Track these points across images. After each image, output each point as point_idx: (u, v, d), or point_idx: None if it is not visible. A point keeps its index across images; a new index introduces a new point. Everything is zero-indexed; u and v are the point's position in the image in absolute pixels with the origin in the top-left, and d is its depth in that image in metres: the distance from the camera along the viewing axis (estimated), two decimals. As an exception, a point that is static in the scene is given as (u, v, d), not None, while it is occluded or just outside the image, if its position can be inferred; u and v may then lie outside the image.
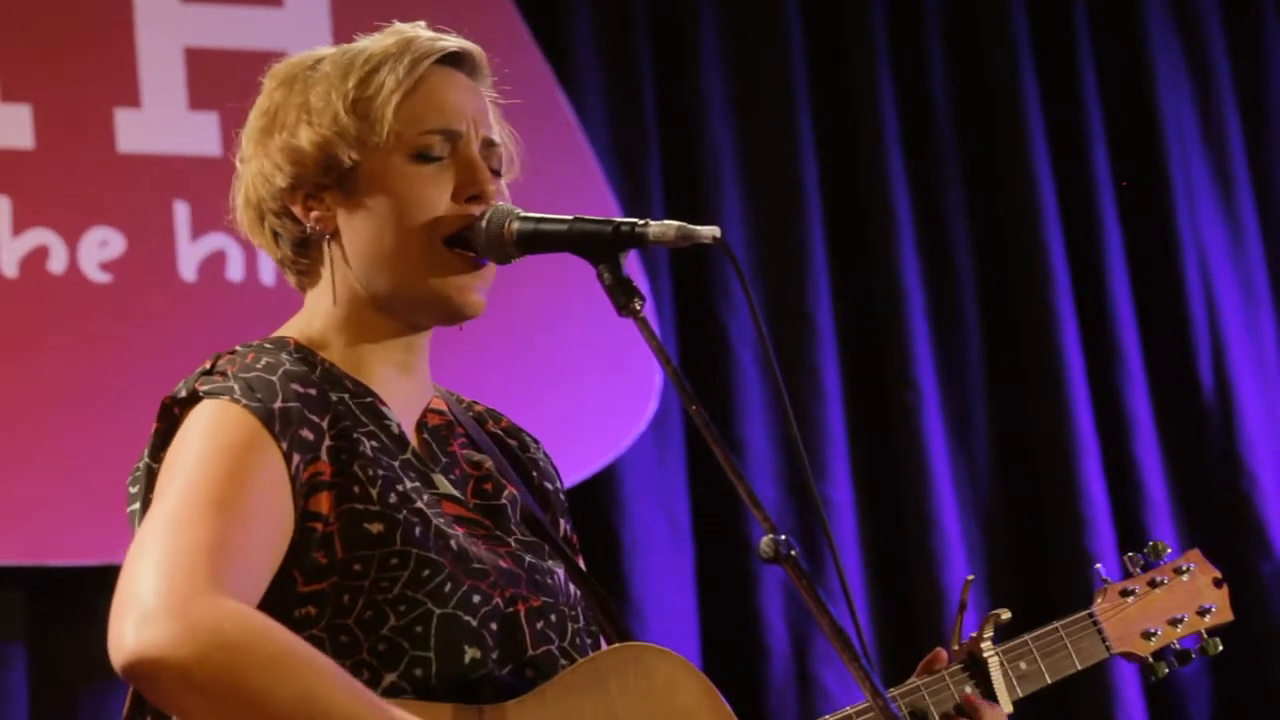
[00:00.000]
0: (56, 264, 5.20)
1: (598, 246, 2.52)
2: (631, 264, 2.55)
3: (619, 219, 2.52)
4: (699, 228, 2.48)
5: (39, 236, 5.20)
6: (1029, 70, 6.19)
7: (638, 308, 2.48)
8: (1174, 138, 6.28)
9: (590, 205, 5.37)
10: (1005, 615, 2.97)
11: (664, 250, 5.90)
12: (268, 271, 5.29)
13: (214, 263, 5.31)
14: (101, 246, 5.24)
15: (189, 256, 5.30)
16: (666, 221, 2.50)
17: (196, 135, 5.28)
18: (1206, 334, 6.22)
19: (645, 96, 5.88)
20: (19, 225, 5.18)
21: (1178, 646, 3.21)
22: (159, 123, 5.32)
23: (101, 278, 5.23)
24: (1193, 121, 6.34)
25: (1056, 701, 5.91)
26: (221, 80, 5.27)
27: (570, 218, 2.56)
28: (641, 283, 5.38)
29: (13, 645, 5.13)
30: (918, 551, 5.89)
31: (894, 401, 5.98)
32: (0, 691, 5.09)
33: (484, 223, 2.59)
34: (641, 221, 2.51)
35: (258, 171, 2.65)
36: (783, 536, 2.37)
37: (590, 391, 5.47)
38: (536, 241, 2.58)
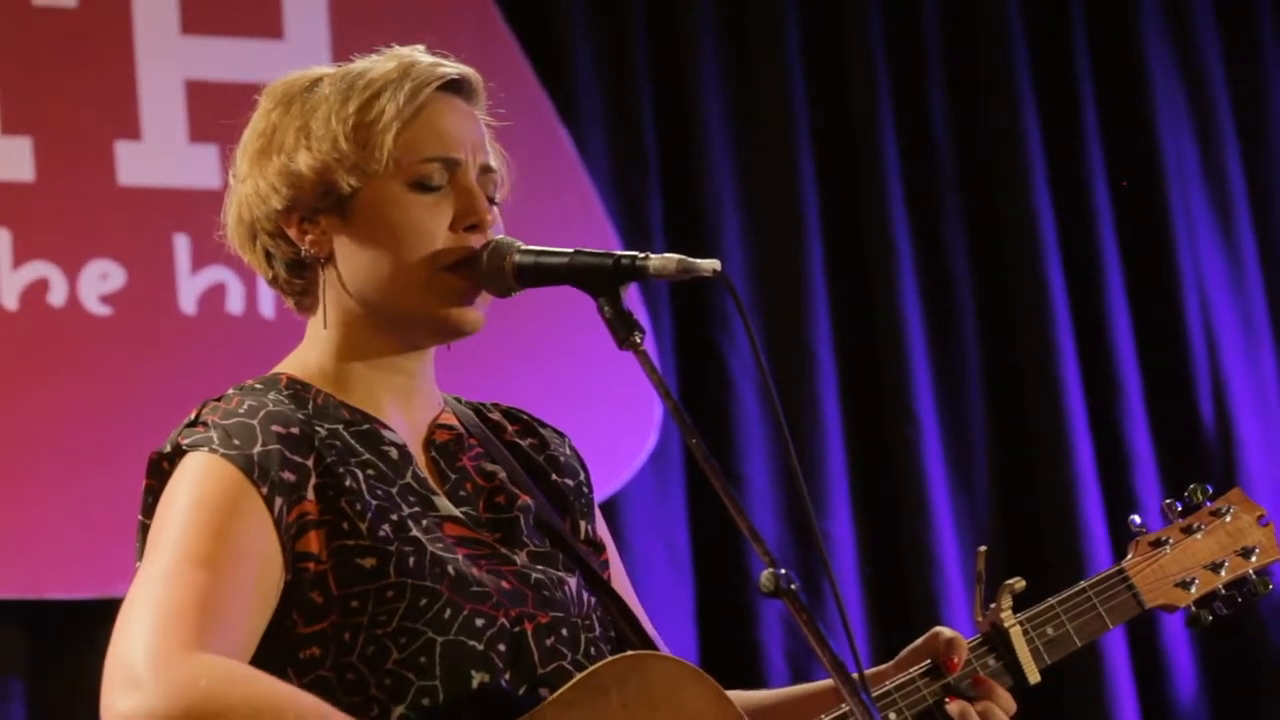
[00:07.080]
0: (56, 296, 5.20)
1: (598, 279, 2.52)
2: (632, 297, 2.55)
3: (619, 252, 2.52)
4: (699, 261, 2.48)
5: (39, 269, 5.20)
6: (1030, 106, 6.19)
7: (638, 341, 2.48)
8: (1174, 172, 6.28)
9: (590, 238, 5.36)
10: (1020, 584, 2.88)
11: (664, 283, 5.91)
12: (268, 304, 5.29)
13: (214, 295, 5.31)
14: (102, 279, 5.23)
15: (189, 289, 5.29)
16: (667, 255, 2.50)
17: (197, 167, 5.28)
18: (1207, 368, 6.22)
19: (645, 129, 5.88)
20: (19, 257, 5.18)
21: (1224, 592, 3.06)
22: (159, 155, 5.32)
23: (102, 310, 5.23)
24: (1193, 156, 6.34)
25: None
26: (222, 113, 5.24)
27: (570, 251, 2.56)
28: (642, 315, 5.38)
29: (12, 680, 5.12)
30: (917, 586, 5.88)
31: (894, 435, 5.97)
32: (-1, 725, 5.09)
33: (485, 256, 2.59)
34: (642, 255, 2.51)
35: (253, 191, 2.64)
36: (782, 570, 2.37)
37: (590, 424, 5.45)
38: (537, 275, 2.58)
